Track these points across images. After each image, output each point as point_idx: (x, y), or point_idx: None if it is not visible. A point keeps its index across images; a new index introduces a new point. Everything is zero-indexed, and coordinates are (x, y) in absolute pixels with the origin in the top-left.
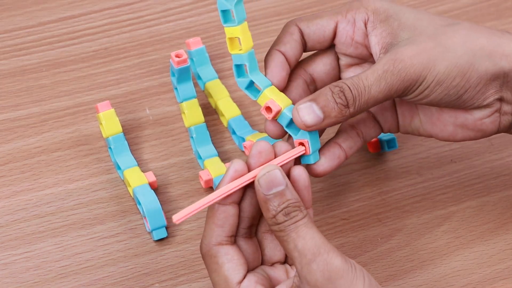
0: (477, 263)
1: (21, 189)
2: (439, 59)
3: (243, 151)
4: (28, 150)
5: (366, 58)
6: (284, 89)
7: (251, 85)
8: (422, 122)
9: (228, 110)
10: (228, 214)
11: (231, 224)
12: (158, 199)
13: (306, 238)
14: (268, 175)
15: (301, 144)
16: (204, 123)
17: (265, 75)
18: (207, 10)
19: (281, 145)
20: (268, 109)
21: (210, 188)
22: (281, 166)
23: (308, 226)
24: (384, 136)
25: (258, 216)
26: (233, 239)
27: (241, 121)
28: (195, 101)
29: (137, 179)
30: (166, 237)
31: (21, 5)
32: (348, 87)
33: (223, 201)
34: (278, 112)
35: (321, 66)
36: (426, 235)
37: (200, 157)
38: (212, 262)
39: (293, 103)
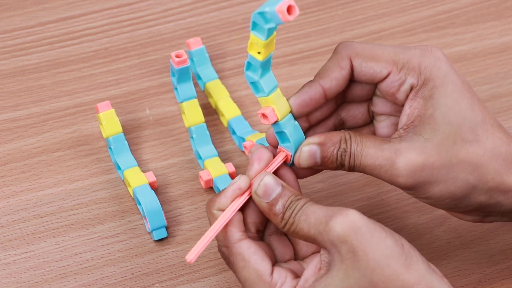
0: (477, 263)
1: (21, 189)
2: (436, 182)
3: (243, 151)
4: (28, 150)
5: (396, 108)
6: (332, 97)
7: (260, 84)
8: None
9: (228, 110)
10: (232, 222)
11: (239, 220)
12: (158, 199)
13: (316, 211)
14: (263, 184)
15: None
16: (204, 123)
17: (293, 99)
18: (207, 10)
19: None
20: (265, 117)
21: (210, 188)
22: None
23: (313, 205)
24: None
25: (263, 221)
26: (247, 234)
27: (241, 121)
28: (195, 101)
29: (137, 179)
30: (166, 237)
31: (21, 5)
32: (350, 153)
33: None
34: (274, 122)
35: (361, 88)
36: (426, 235)
37: (200, 157)
38: (239, 260)
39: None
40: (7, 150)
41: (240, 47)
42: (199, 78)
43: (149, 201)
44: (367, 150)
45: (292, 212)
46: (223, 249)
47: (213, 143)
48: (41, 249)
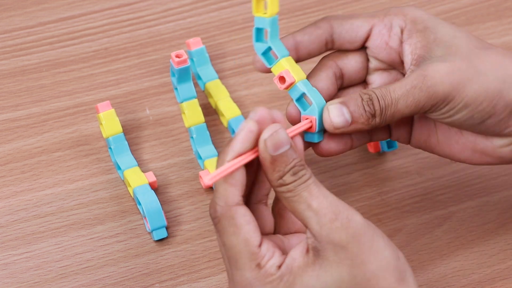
0: (477, 263)
1: (21, 189)
2: (469, 82)
3: None
4: (28, 150)
5: (396, 65)
6: (314, 76)
7: (267, 51)
8: (440, 142)
9: (228, 110)
10: (240, 172)
11: (243, 183)
12: (158, 199)
13: (320, 197)
14: (275, 134)
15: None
16: (204, 123)
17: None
18: (207, 10)
19: (277, 113)
20: (282, 79)
21: (210, 188)
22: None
23: (317, 185)
24: None
25: (249, 185)
26: (244, 199)
27: (241, 121)
28: (195, 101)
29: (137, 179)
30: (166, 237)
31: (21, 5)
32: (377, 97)
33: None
34: (291, 84)
35: (352, 63)
36: (426, 235)
37: (200, 157)
38: (230, 225)
39: (317, 89)
40: (7, 150)
41: (240, 47)
42: (199, 78)
43: (149, 201)
44: (393, 86)
45: (295, 181)
46: (217, 208)
47: (213, 143)
48: (41, 249)
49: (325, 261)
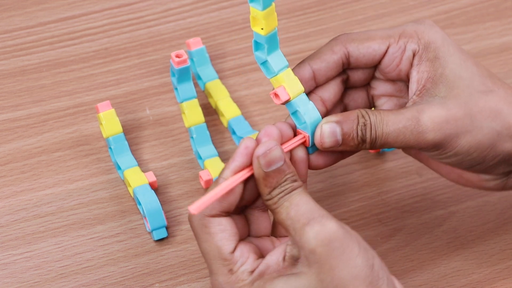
0: (477, 263)
1: (21, 189)
2: (462, 134)
3: None
4: (28, 150)
5: (403, 80)
6: (323, 82)
7: (267, 62)
8: (429, 160)
9: (228, 110)
10: (232, 191)
11: (231, 203)
12: (158, 199)
13: (300, 204)
14: (269, 152)
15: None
16: (204, 123)
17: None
18: (207, 10)
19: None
20: (277, 96)
21: None
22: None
23: (301, 195)
24: None
25: (252, 195)
26: (228, 212)
27: (241, 121)
28: (195, 101)
29: (137, 179)
30: (166, 237)
31: (21, 5)
32: (371, 125)
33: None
34: (287, 101)
35: (359, 74)
36: (426, 235)
37: (200, 157)
38: (203, 232)
39: (322, 99)
40: (7, 150)
41: (240, 47)
42: (199, 78)
43: (149, 201)
44: (387, 118)
45: (281, 193)
46: (194, 219)
47: (213, 143)
48: (41, 249)
49: (296, 266)
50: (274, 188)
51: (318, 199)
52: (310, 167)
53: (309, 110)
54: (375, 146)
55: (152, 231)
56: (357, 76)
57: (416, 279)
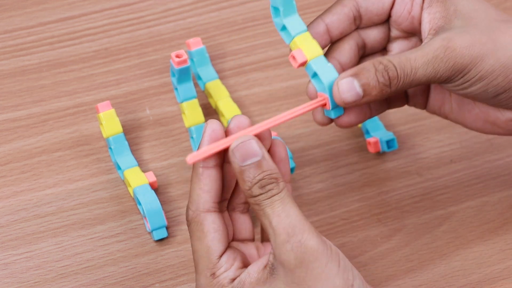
0: (477, 263)
1: (21, 189)
2: (487, 56)
3: None
4: (28, 150)
5: (417, 33)
6: (336, 49)
7: (286, 28)
8: (453, 110)
9: (228, 110)
10: (213, 177)
11: (216, 189)
12: (159, 199)
13: (281, 215)
14: (242, 145)
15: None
16: (204, 123)
17: None
18: (207, 10)
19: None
20: (294, 58)
21: None
22: (282, 121)
23: (284, 202)
24: (384, 136)
25: (230, 190)
26: (220, 205)
27: None
28: (195, 101)
29: (137, 179)
30: (166, 237)
31: (21, 5)
32: (394, 66)
33: (206, 164)
34: (304, 63)
35: (375, 33)
36: (426, 235)
37: None
38: (197, 230)
39: (340, 64)
40: (7, 150)
41: (240, 47)
42: (199, 78)
43: (149, 201)
44: (414, 54)
45: (262, 194)
46: (189, 212)
47: None
48: (41, 249)
49: (275, 281)
50: (253, 185)
51: (318, 199)
52: (339, 125)
53: (327, 71)
54: (402, 87)
55: (152, 231)
56: (372, 37)
57: (416, 279)
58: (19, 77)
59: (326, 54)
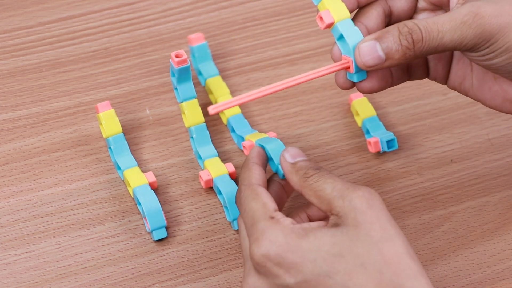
0: (477, 263)
1: (21, 189)
2: None
3: (243, 151)
4: (28, 150)
5: (443, 5)
6: (364, 14)
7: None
8: (474, 87)
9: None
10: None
11: (265, 180)
12: (158, 199)
13: (336, 179)
14: (290, 148)
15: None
16: (204, 123)
17: None
18: (207, 10)
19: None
20: (321, 19)
21: (210, 189)
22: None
23: (331, 174)
24: (384, 136)
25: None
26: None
27: (240, 119)
28: (195, 101)
29: (137, 179)
30: (166, 237)
31: (21, 5)
32: (420, 29)
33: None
34: (331, 25)
35: (402, 2)
36: (426, 235)
37: (200, 157)
38: (252, 193)
39: (367, 28)
40: (7, 150)
41: (240, 47)
42: (200, 74)
43: (149, 201)
44: (442, 19)
45: (319, 172)
46: (242, 187)
47: (213, 143)
48: (41, 249)
49: (342, 226)
50: (309, 168)
51: None
52: (361, 90)
53: (353, 34)
54: (427, 51)
55: (152, 231)
56: (399, 5)
57: None
58: (19, 77)
59: (353, 19)
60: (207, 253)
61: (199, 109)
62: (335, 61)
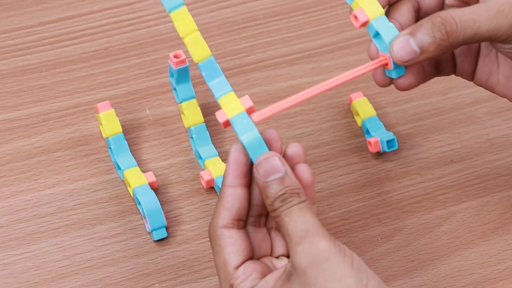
0: (477, 263)
1: (21, 189)
2: None
3: None
4: (28, 150)
5: (471, 2)
6: (395, 11)
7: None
8: (500, 82)
9: None
10: (236, 196)
11: (238, 207)
12: (158, 199)
13: (298, 221)
14: (265, 162)
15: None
16: (204, 123)
17: None
18: (207, 10)
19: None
20: (355, 17)
21: (211, 188)
22: (339, 84)
23: (302, 211)
24: (384, 136)
25: (246, 210)
26: (241, 223)
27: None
28: (194, 102)
29: (137, 179)
30: (166, 237)
31: (21, 5)
32: (454, 19)
33: (232, 183)
34: (366, 23)
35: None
36: (426, 235)
37: (200, 157)
38: (216, 244)
39: (400, 24)
40: (7, 150)
41: (240, 47)
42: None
43: (149, 201)
44: (477, 9)
45: (281, 207)
46: (210, 229)
47: (213, 143)
48: (41, 249)
49: (291, 286)
50: (275, 199)
51: (318, 199)
52: (398, 87)
53: (389, 30)
54: (463, 41)
55: (152, 231)
56: (428, 0)
57: (416, 279)
58: (19, 77)
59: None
60: (207, 253)
61: (199, 109)
62: (371, 59)
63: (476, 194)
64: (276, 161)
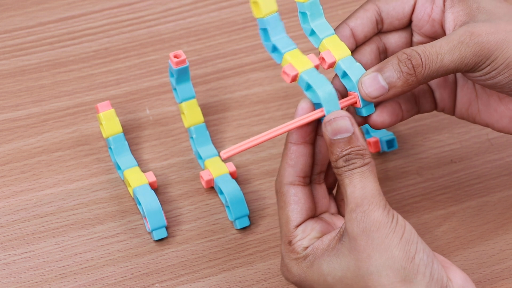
0: (477, 263)
1: (21, 189)
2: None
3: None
4: (28, 150)
5: (438, 37)
6: (359, 52)
7: (313, 33)
8: (480, 111)
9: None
10: (299, 153)
11: (302, 164)
12: (158, 199)
13: (357, 186)
14: (335, 120)
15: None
16: (204, 123)
17: None
18: (207, 10)
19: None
20: (323, 59)
21: (210, 188)
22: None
23: (364, 175)
24: (384, 136)
25: (327, 163)
26: (307, 180)
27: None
28: (194, 102)
29: (137, 179)
30: (166, 237)
31: (21, 5)
32: (418, 54)
33: (296, 141)
34: (333, 64)
35: (396, 38)
36: (426, 235)
37: (200, 157)
38: (281, 200)
39: (364, 66)
40: (7, 150)
41: (240, 47)
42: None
43: (149, 201)
44: (439, 43)
45: (344, 167)
46: (276, 185)
47: (213, 143)
48: (41, 249)
49: (341, 248)
50: (339, 158)
51: None
52: (372, 126)
53: (356, 69)
54: (429, 75)
55: (152, 231)
56: (394, 41)
57: None
58: (19, 77)
59: None
60: (207, 253)
61: (199, 109)
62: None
63: (476, 194)
64: (346, 120)
